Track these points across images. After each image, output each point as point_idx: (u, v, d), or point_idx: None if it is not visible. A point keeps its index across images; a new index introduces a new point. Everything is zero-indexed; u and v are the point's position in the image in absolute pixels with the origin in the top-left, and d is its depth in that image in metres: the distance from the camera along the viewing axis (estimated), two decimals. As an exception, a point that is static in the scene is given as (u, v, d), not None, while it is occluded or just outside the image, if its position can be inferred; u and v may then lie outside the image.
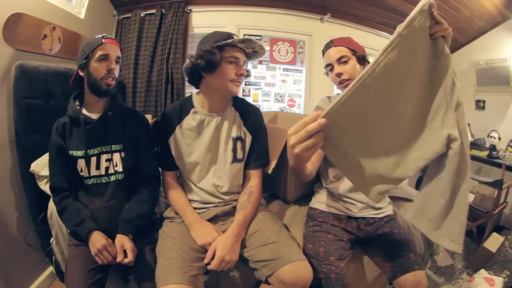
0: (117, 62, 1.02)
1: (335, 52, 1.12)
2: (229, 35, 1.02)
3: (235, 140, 1.11)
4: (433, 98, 0.76)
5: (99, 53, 0.97)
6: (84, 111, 1.04)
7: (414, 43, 0.69)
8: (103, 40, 0.97)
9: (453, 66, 0.75)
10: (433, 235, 0.79)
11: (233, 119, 1.12)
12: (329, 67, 1.15)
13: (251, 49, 1.08)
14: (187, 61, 1.07)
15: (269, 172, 1.20)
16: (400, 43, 0.67)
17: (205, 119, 1.10)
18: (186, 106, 1.12)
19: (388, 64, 0.66)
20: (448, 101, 0.76)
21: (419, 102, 0.75)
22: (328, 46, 1.16)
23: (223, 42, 1.00)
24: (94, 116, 1.03)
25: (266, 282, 0.94)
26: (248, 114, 1.15)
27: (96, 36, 0.99)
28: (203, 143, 1.10)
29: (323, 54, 1.17)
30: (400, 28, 0.67)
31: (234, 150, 1.11)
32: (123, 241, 0.94)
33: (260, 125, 1.16)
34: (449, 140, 0.75)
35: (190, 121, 1.10)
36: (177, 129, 1.11)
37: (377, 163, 0.77)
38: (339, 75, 1.11)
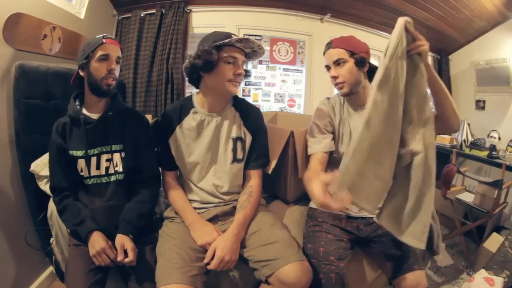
0: (117, 62, 1.02)
1: (332, 54, 1.11)
2: (228, 35, 1.02)
3: (235, 140, 1.11)
4: (405, 115, 0.83)
5: (99, 53, 0.97)
6: (84, 111, 1.04)
7: (399, 67, 0.77)
8: (104, 40, 0.97)
9: (426, 80, 0.82)
10: (400, 236, 0.89)
11: (233, 119, 1.12)
12: (327, 68, 1.15)
13: (250, 49, 1.07)
14: (186, 61, 1.07)
15: (269, 172, 1.20)
16: (388, 75, 0.76)
17: (205, 119, 1.10)
18: (186, 106, 1.12)
19: (380, 100, 0.76)
20: (417, 118, 0.84)
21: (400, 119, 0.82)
22: (327, 46, 1.14)
23: (221, 42, 0.99)
24: (94, 116, 1.03)
25: (266, 282, 0.94)
26: (248, 114, 1.15)
27: (97, 36, 0.99)
28: (203, 143, 1.10)
29: (324, 54, 1.16)
30: (385, 60, 0.76)
31: (234, 150, 1.11)
32: (123, 241, 0.94)
33: (260, 125, 1.16)
34: (413, 153, 0.84)
35: (190, 121, 1.10)
36: (177, 129, 1.11)
37: (383, 186, 0.87)
38: (334, 78, 1.11)
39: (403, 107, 0.80)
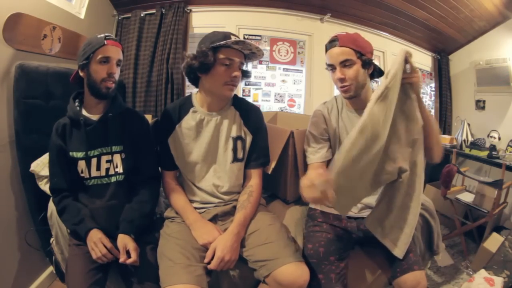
0: (118, 65, 1.00)
1: (339, 53, 1.01)
2: (226, 36, 1.00)
3: (235, 139, 1.11)
4: (394, 136, 0.93)
5: (100, 55, 0.95)
6: (84, 112, 1.03)
7: (395, 91, 0.87)
8: (105, 42, 0.96)
9: (416, 109, 0.93)
10: (381, 239, 1.02)
11: (233, 118, 1.12)
12: (331, 67, 1.05)
13: (248, 50, 1.05)
14: (185, 61, 1.06)
15: (269, 172, 1.20)
16: (387, 94, 0.85)
17: (204, 119, 1.10)
18: (186, 105, 1.12)
19: (376, 112, 0.85)
20: (405, 138, 0.94)
21: (388, 139, 0.92)
22: (332, 43, 1.03)
23: (217, 44, 0.98)
24: (94, 117, 1.03)
25: (265, 282, 0.94)
26: (249, 113, 1.14)
27: (99, 36, 0.97)
28: (203, 142, 1.10)
29: (326, 50, 1.06)
30: (387, 81, 0.86)
31: (235, 149, 1.11)
32: (125, 241, 0.94)
33: (260, 124, 1.16)
34: (400, 170, 0.95)
35: (189, 120, 1.10)
36: (177, 128, 1.10)
37: (361, 190, 0.97)
38: (341, 80, 1.03)
39: (391, 128, 0.91)
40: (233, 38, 0.99)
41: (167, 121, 1.11)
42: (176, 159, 1.12)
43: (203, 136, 1.10)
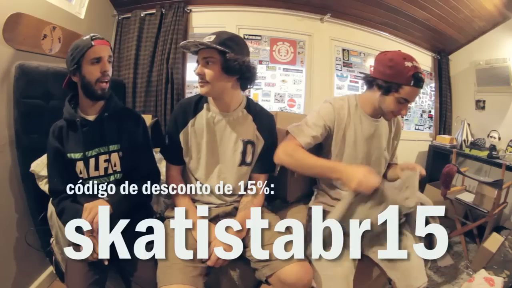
0: (109, 62, 1.00)
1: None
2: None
3: (246, 143, 1.10)
4: None
5: (91, 56, 0.95)
6: (79, 113, 1.03)
7: None
8: (93, 43, 0.96)
9: None
10: None
11: (245, 121, 1.11)
12: (405, 102, 1.05)
13: (195, 47, 1.01)
14: None
15: (276, 174, 1.19)
16: None
17: (215, 117, 1.09)
18: (201, 102, 1.11)
19: None
20: None
21: None
22: (422, 84, 1.03)
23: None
24: (90, 117, 1.02)
25: (266, 282, 0.94)
26: (262, 119, 1.13)
27: (85, 38, 0.97)
28: (212, 142, 1.09)
29: (413, 83, 1.01)
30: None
31: (244, 152, 1.10)
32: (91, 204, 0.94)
33: (273, 131, 1.15)
34: None
35: (202, 117, 1.09)
36: (189, 124, 1.09)
37: None
38: (400, 113, 1.09)
39: None
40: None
41: (180, 116, 1.10)
42: (184, 155, 1.11)
43: (213, 135, 1.09)
